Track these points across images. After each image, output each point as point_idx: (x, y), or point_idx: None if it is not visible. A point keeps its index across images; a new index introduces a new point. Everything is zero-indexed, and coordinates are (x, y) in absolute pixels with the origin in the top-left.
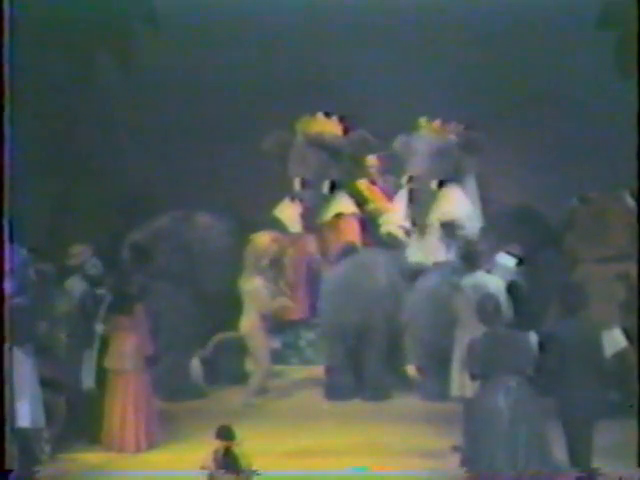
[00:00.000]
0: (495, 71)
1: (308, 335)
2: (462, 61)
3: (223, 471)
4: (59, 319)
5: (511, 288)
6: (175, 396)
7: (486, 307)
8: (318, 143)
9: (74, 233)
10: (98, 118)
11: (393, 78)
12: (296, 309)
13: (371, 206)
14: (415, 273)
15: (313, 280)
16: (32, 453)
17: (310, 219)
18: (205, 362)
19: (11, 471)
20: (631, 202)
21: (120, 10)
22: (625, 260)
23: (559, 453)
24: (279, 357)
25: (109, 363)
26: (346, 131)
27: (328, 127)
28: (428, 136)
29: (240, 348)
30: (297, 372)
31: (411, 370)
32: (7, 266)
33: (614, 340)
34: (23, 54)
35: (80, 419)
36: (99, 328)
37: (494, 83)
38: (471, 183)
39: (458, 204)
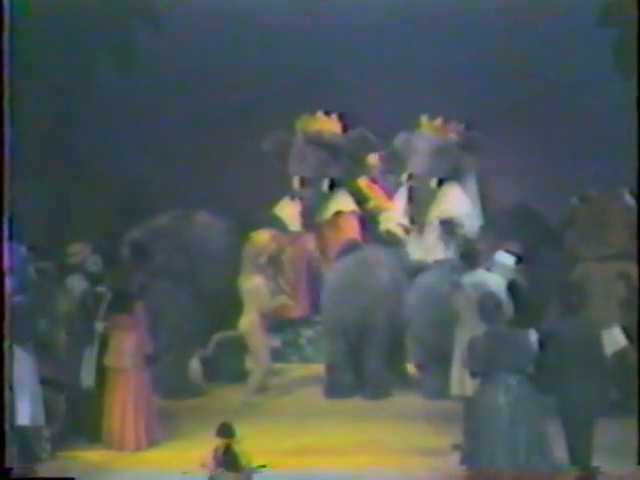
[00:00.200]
0: (495, 71)
1: (308, 333)
2: (462, 60)
3: (222, 469)
4: (59, 317)
5: (511, 286)
6: (175, 394)
7: (487, 305)
8: (317, 141)
9: (74, 232)
10: (98, 118)
11: (393, 77)
12: (296, 307)
13: (371, 204)
14: (417, 271)
15: (313, 278)
16: (32, 451)
17: (310, 217)
18: (205, 360)
19: (11, 469)
20: (631, 201)
21: (120, 10)
22: (625, 259)
23: (559, 451)
24: (279, 355)
25: (109, 361)
26: (345, 129)
27: (327, 125)
28: (428, 135)
29: (240, 346)
30: (297, 370)
31: (411, 368)
32: (7, 264)
33: (614, 339)
34: (23, 54)
35: (80, 417)
36: (99, 326)
37: (494, 82)
38: (471, 182)
39: (457, 202)
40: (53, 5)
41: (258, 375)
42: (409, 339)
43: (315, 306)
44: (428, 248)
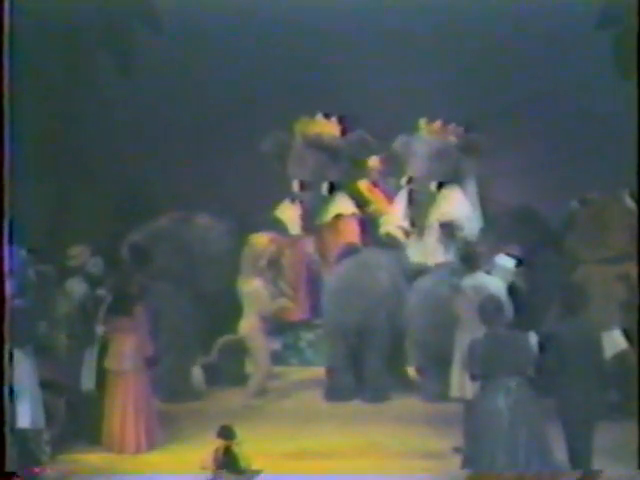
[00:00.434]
0: (495, 72)
1: (308, 336)
2: (462, 62)
3: (223, 471)
4: (59, 320)
5: (511, 289)
6: (175, 397)
7: (487, 308)
8: (317, 144)
9: (74, 234)
10: (98, 118)
11: (393, 79)
12: (296, 310)
13: (372, 207)
14: (417, 274)
15: (313, 281)
16: (32, 454)
17: (310, 220)
18: (205, 364)
19: (13, 473)
20: (631, 203)
21: (120, 10)
22: (625, 261)
23: (559, 454)
24: (279, 358)
25: (109, 364)
26: (345, 132)
27: (327, 128)
28: (428, 137)
29: (240, 349)
30: (297, 373)
31: (411, 371)
32: (7, 267)
33: (614, 341)
34: (23, 55)
35: (80, 420)
36: (99, 329)
37: (494, 84)
38: (471, 184)
39: (457, 205)
40: (53, 5)
41: (258, 378)
42: (409, 342)
43: (315, 309)
44: (428, 251)
